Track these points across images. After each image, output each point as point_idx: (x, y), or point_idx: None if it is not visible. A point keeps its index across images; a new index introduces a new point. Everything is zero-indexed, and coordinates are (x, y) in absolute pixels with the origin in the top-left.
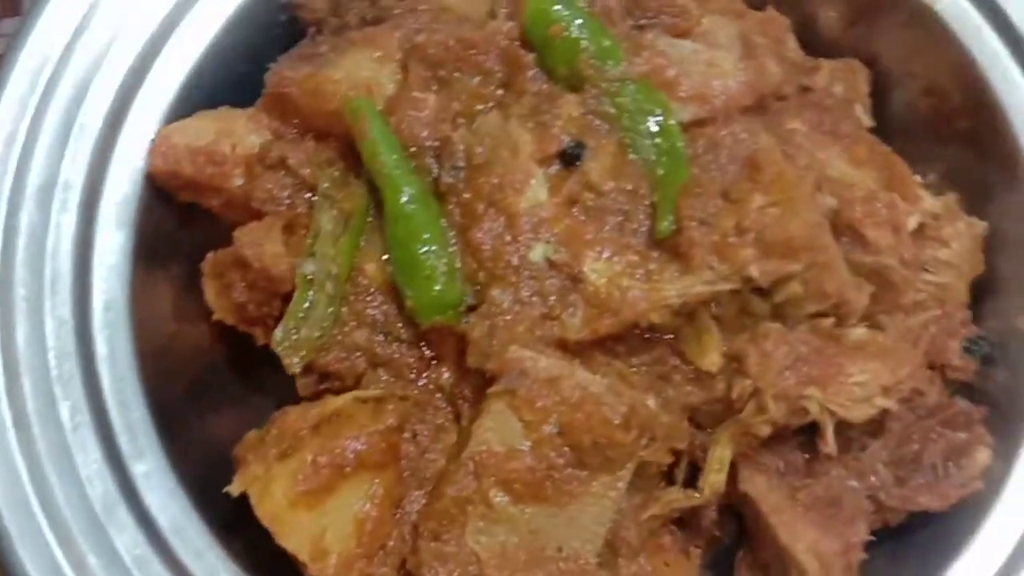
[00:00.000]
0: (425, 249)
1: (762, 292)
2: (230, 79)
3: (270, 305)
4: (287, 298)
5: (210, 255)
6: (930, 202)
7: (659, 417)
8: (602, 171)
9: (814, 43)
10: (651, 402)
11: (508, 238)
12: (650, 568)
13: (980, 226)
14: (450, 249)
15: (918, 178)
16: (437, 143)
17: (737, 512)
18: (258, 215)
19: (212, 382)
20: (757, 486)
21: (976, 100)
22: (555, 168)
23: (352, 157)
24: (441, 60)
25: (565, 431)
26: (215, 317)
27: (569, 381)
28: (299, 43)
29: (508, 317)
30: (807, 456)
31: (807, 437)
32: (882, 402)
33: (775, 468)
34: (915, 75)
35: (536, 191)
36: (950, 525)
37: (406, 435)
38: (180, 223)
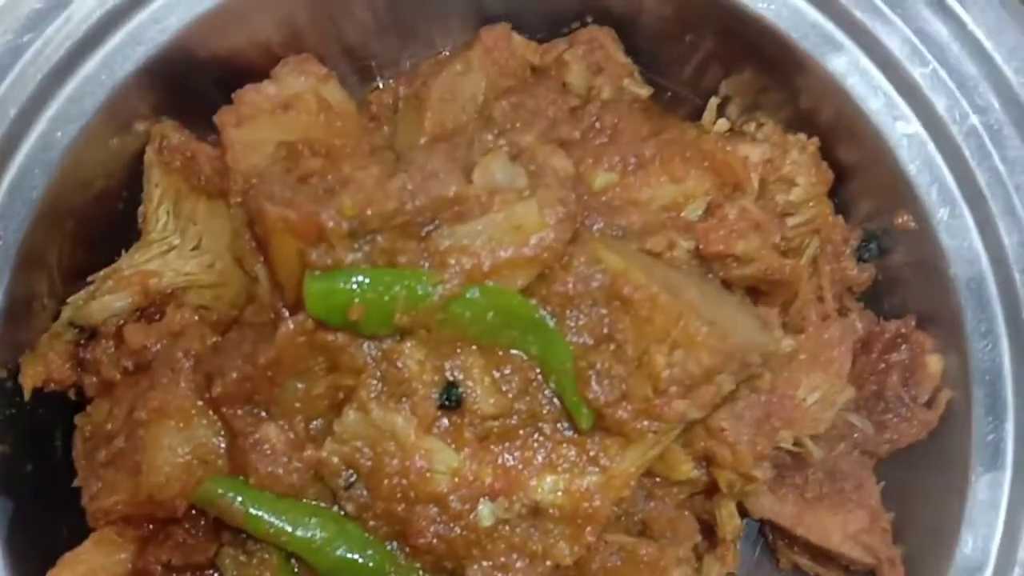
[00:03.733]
0: None
1: None
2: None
3: None
4: None
5: None
6: (757, 151)
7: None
8: (488, 393)
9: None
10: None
11: (451, 524)
12: None
13: (812, 144)
14: (402, 561)
15: (714, 99)
16: (311, 471)
17: None
18: None
19: None
20: (768, 508)
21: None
22: (444, 423)
23: None
24: (253, 390)
25: None
26: None
27: None
28: (75, 437)
29: None
30: (789, 455)
31: None
32: (843, 398)
33: (771, 480)
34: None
35: (443, 460)
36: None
37: None
38: None
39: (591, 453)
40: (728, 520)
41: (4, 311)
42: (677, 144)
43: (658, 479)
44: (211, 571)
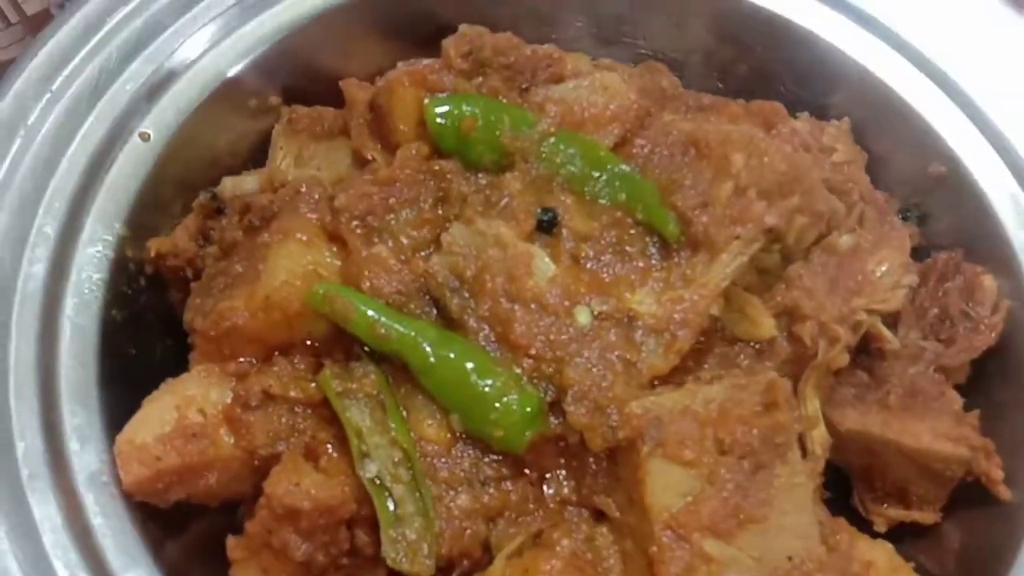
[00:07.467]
0: (483, 381)
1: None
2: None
3: (337, 541)
4: (352, 522)
5: (231, 540)
6: (799, 123)
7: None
8: (582, 219)
9: None
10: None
11: (550, 321)
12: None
13: (845, 123)
14: (502, 364)
15: None
16: (418, 283)
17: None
18: (266, 463)
19: None
20: (854, 420)
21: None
22: (541, 241)
23: (332, 348)
24: (369, 209)
25: (729, 448)
26: None
27: (698, 403)
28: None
29: (603, 385)
30: (867, 372)
31: (855, 356)
32: (908, 280)
33: (853, 397)
34: (689, 50)
35: (542, 265)
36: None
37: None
38: None
39: (681, 270)
40: (814, 424)
41: (139, 198)
42: (729, 101)
43: (740, 348)
44: (307, 409)
